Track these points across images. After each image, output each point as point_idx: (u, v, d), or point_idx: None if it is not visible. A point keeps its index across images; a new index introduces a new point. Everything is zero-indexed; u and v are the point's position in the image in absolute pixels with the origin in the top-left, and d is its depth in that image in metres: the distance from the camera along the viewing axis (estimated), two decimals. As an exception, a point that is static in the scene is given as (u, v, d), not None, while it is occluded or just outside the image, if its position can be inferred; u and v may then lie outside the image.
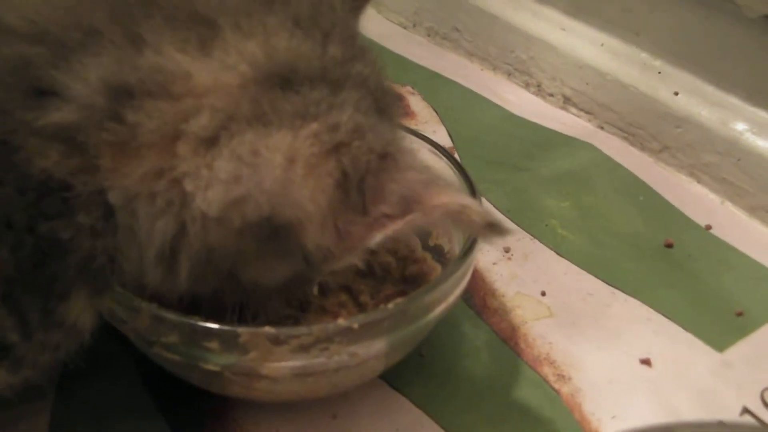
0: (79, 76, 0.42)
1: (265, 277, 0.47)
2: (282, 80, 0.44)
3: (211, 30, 0.44)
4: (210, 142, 0.43)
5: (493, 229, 0.43)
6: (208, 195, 0.43)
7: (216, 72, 0.43)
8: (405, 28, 1.08)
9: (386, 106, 0.49)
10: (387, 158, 0.44)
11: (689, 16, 0.81)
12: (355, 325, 0.48)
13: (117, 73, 0.42)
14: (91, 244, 0.44)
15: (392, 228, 0.43)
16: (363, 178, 0.43)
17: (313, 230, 0.44)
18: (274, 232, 0.44)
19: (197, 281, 0.46)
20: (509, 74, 0.98)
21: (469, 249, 0.54)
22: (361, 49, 0.49)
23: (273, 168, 0.42)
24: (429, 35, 1.06)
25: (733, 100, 0.80)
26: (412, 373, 0.61)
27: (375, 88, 0.48)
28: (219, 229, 0.44)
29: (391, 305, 0.50)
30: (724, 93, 0.81)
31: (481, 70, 1.00)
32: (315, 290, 0.60)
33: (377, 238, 0.44)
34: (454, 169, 0.61)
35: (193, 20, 0.44)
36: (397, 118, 0.51)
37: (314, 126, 0.43)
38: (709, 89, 0.82)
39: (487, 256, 0.72)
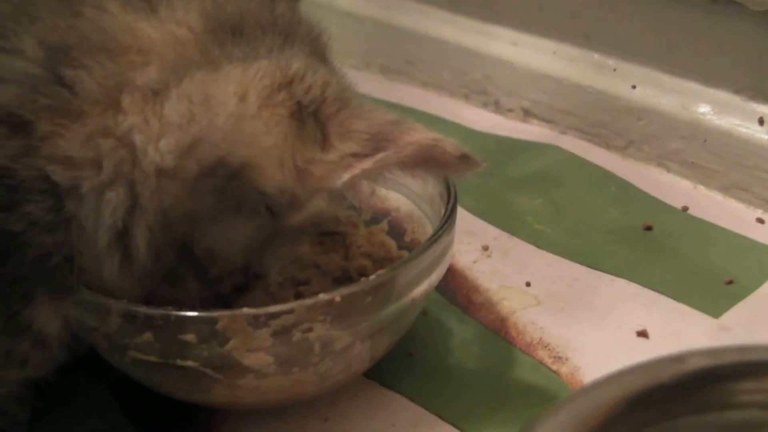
0: (14, 49, 0.41)
1: (225, 241, 0.45)
2: (233, 28, 0.43)
3: None
4: (158, 91, 0.41)
5: (467, 160, 0.43)
6: (161, 145, 0.41)
7: (163, 26, 0.42)
8: (358, 69, 1.08)
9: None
10: (348, 100, 0.43)
11: (634, 9, 0.81)
12: (337, 298, 0.46)
13: (54, 36, 0.41)
14: (43, 240, 0.42)
15: (361, 167, 0.42)
16: (319, 108, 0.42)
17: (271, 169, 0.42)
18: (231, 177, 0.42)
19: (157, 259, 0.44)
20: (467, 97, 0.98)
21: (448, 217, 0.52)
22: (306, 18, 0.49)
23: (225, 104, 0.41)
24: (383, 72, 1.06)
25: (691, 85, 0.80)
26: (402, 371, 0.58)
27: (322, 53, 0.48)
28: (174, 184, 0.42)
29: (372, 277, 0.48)
30: (680, 79, 0.81)
31: (439, 96, 1.00)
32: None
33: (344, 177, 0.42)
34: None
35: None
36: None
37: (264, 62, 0.42)
38: (665, 77, 0.81)
39: (465, 257, 0.70)
